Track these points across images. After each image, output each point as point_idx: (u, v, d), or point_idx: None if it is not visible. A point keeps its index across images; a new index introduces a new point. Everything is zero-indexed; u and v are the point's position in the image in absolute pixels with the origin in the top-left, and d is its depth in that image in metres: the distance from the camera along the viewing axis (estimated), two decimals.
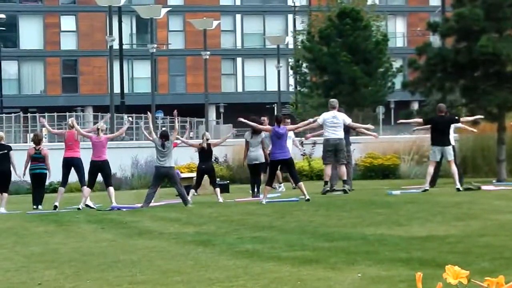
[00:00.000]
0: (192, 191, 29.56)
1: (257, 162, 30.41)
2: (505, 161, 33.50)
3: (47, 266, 15.68)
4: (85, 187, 29.09)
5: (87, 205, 28.75)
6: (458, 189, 28.50)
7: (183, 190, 28.50)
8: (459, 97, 35.23)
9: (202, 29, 63.25)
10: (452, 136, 30.71)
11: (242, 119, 29.86)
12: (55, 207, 28.51)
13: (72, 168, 29.42)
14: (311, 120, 30.86)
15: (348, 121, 29.97)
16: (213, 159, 30.95)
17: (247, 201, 28.99)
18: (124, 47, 72.70)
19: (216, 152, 33.01)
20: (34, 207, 29.33)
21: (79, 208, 28.27)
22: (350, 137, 31.59)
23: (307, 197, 26.78)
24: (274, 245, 17.59)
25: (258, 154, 30.25)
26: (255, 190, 30.54)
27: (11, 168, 29.55)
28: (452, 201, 25.58)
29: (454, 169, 29.15)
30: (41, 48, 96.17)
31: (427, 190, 28.64)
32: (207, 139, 30.41)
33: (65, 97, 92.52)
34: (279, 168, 29.08)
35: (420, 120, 31.15)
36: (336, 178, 29.77)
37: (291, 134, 30.43)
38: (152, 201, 28.43)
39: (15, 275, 14.84)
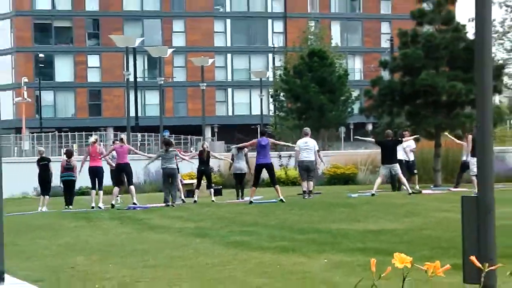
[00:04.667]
0: (196, 191, 29.64)
1: (240, 172, 30.33)
2: (440, 171, 33.71)
3: (78, 254, 15.70)
4: (116, 188, 29.24)
5: (99, 207, 28.73)
6: (410, 193, 28.58)
7: (176, 192, 28.61)
8: (404, 120, 35.40)
9: (200, 65, 63.27)
10: (410, 152, 31.22)
11: (239, 145, 30.58)
12: (92, 207, 28.48)
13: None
14: (290, 144, 31.50)
15: (317, 148, 30.25)
16: (210, 166, 30.98)
17: (235, 202, 29.02)
18: (138, 79, 72.82)
19: (212, 164, 32.90)
20: (66, 207, 29.34)
21: (112, 205, 28.32)
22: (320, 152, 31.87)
23: (281, 197, 26.92)
24: (258, 237, 17.62)
25: (242, 166, 30.20)
26: (240, 194, 30.61)
27: (50, 176, 29.87)
28: (400, 203, 25.63)
29: (403, 180, 29.43)
30: (72, 80, 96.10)
31: (374, 194, 28.65)
32: (207, 147, 30.93)
33: (91, 119, 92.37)
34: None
35: (373, 140, 31.39)
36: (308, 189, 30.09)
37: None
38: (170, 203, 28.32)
39: (53, 261, 14.86)
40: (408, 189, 29.11)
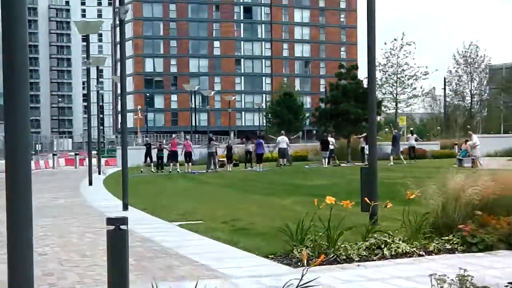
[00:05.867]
0: (227, 165, 29.51)
1: (248, 151, 30.28)
2: (349, 154, 33.59)
3: (164, 196, 15.68)
4: (187, 164, 28.98)
5: (177, 171, 28.51)
6: (335, 166, 28.73)
7: (216, 164, 28.50)
8: (332, 128, 35.41)
9: (228, 100, 63.24)
10: (332, 145, 31.13)
11: (249, 138, 31.33)
12: (170, 171, 28.29)
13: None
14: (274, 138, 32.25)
15: (287, 141, 30.92)
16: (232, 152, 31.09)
17: (245, 170, 28.98)
18: (196, 107, 72.84)
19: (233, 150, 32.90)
20: (157, 171, 28.88)
21: (187, 172, 27.86)
22: (289, 145, 31.86)
23: (261, 169, 27.36)
24: (257, 188, 17.63)
25: (250, 148, 30.22)
26: (247, 165, 30.40)
27: (150, 155, 29.87)
28: (330, 170, 25.61)
29: (330, 159, 29.69)
30: (163, 107, 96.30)
31: (325, 167, 28.69)
32: (231, 143, 31.61)
33: (172, 127, 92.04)
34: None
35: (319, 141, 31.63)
36: (284, 162, 29.96)
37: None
38: (210, 170, 28.28)
39: (152, 199, 14.55)
40: (333, 163, 29.22)
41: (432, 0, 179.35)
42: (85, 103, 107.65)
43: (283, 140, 30.28)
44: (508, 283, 4.40)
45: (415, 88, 52.88)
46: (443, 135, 52.71)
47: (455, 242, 7.25)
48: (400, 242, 7.12)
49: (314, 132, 69.86)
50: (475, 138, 26.19)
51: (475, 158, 24.67)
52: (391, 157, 29.49)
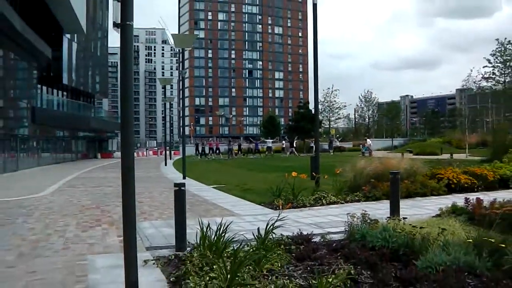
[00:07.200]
0: (237, 155, 28.21)
1: (250, 147, 29.84)
2: (304, 149, 32.51)
3: (205, 171, 15.36)
4: (218, 154, 27.82)
5: (213, 158, 27.70)
6: (297, 156, 27.65)
7: (233, 154, 27.22)
8: (296, 135, 34.74)
9: (240, 120, 62.35)
10: (295, 144, 30.34)
11: (251, 140, 30.29)
12: (207, 158, 26.89)
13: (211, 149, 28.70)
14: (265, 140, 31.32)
15: (271, 142, 30.14)
16: (241, 147, 30.41)
17: (251, 158, 28.41)
18: (222, 123, 72.04)
19: (242, 147, 32.24)
20: (201, 158, 27.75)
21: (213, 159, 26.83)
22: (272, 144, 31.29)
23: (259, 157, 26.33)
24: (255, 167, 17.27)
25: (251, 146, 29.82)
26: (249, 155, 29.33)
27: (198, 149, 29.12)
28: (294, 158, 25.01)
29: (295, 152, 28.53)
30: (204, 124, 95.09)
31: (290, 155, 28.04)
32: (241, 143, 30.66)
33: (211, 135, 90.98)
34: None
35: (289, 141, 30.86)
36: (269, 154, 29.47)
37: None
38: (229, 157, 27.38)
39: (198, 174, 14.34)
40: (297, 155, 28.60)
41: (351, 66, 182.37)
42: (163, 121, 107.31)
43: (269, 142, 30.42)
44: (387, 217, 4.49)
45: (339, 114, 53.38)
46: (354, 139, 53.18)
47: (360, 196, 7.33)
48: (332, 196, 7.20)
49: (285, 138, 69.41)
50: (368, 141, 27.28)
51: (371, 151, 25.02)
52: (330, 151, 29.94)
